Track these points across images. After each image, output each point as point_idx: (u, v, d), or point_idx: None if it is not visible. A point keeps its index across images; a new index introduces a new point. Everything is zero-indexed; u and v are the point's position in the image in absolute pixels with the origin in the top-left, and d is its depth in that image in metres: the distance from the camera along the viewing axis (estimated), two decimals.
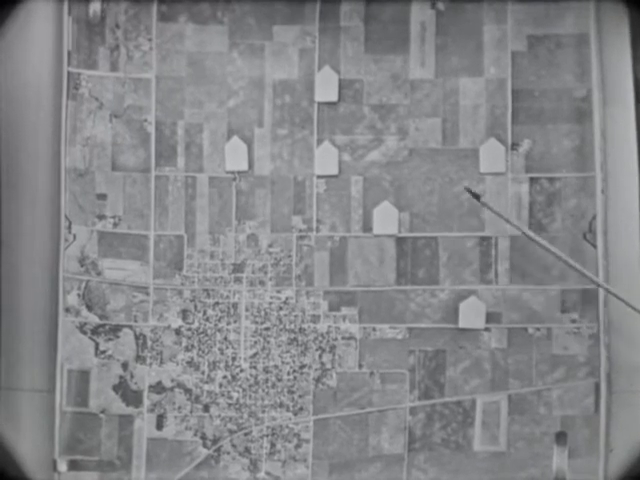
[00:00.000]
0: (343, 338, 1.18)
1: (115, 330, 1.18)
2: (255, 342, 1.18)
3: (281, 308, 1.18)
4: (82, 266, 1.17)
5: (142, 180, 1.17)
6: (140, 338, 1.18)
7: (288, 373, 1.18)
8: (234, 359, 1.18)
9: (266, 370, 1.18)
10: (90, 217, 1.17)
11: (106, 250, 1.17)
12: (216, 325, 1.18)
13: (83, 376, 1.17)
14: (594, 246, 1.15)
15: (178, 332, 1.18)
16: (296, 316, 1.18)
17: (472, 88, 1.17)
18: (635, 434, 1.16)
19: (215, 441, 1.18)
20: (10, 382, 1.19)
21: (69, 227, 1.17)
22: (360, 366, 1.17)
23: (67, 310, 1.17)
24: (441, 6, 1.16)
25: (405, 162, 1.18)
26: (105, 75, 1.17)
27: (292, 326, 1.18)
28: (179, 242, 1.18)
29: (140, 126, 1.17)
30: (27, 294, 1.19)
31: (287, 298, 1.18)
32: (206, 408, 1.18)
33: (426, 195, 1.17)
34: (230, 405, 1.18)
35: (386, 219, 1.17)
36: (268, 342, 1.18)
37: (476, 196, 1.10)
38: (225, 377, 1.18)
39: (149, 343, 1.18)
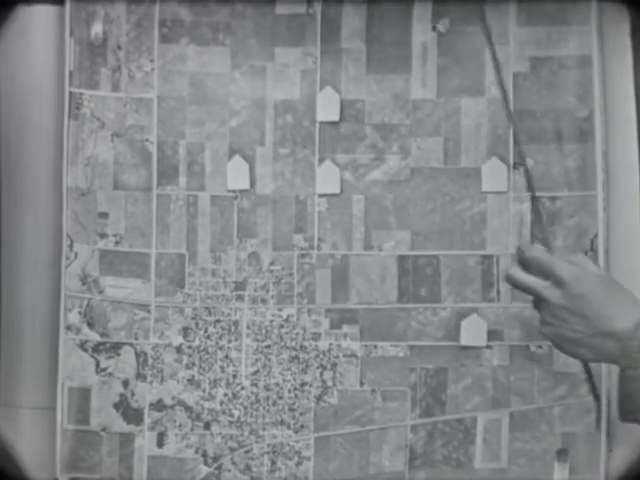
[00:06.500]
0: (344, 356, 1.17)
1: (116, 348, 1.18)
2: (256, 360, 1.18)
3: (282, 326, 1.18)
4: (84, 284, 1.17)
5: (144, 199, 1.17)
6: (141, 356, 1.18)
7: (289, 391, 1.18)
8: (235, 377, 1.18)
9: (267, 388, 1.18)
10: (92, 235, 1.17)
11: (108, 268, 1.17)
12: (217, 343, 1.18)
13: (84, 394, 1.18)
14: None
15: (179, 350, 1.18)
16: (297, 334, 1.18)
17: (474, 108, 1.16)
18: (635, 451, 1.16)
19: (216, 459, 1.18)
20: (11, 400, 1.20)
21: (71, 245, 1.17)
22: (361, 384, 1.17)
23: (68, 328, 1.17)
24: (442, 28, 1.16)
25: (407, 181, 1.17)
26: (107, 95, 1.17)
27: (293, 344, 1.18)
28: (180, 260, 1.18)
29: (142, 145, 1.17)
30: (28, 312, 1.19)
31: (288, 316, 1.18)
32: (207, 426, 1.18)
33: (428, 214, 1.17)
34: (231, 423, 1.18)
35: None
36: (269, 360, 1.18)
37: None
38: (226, 395, 1.18)
39: (150, 361, 1.18)
